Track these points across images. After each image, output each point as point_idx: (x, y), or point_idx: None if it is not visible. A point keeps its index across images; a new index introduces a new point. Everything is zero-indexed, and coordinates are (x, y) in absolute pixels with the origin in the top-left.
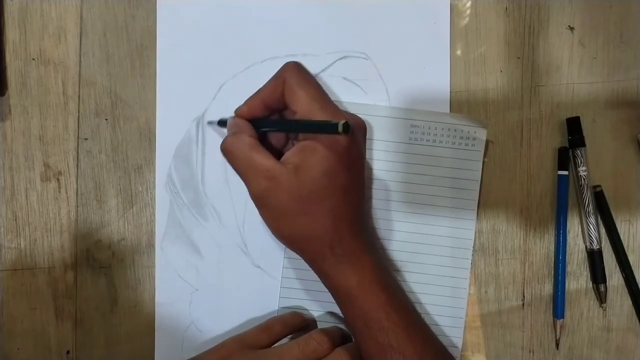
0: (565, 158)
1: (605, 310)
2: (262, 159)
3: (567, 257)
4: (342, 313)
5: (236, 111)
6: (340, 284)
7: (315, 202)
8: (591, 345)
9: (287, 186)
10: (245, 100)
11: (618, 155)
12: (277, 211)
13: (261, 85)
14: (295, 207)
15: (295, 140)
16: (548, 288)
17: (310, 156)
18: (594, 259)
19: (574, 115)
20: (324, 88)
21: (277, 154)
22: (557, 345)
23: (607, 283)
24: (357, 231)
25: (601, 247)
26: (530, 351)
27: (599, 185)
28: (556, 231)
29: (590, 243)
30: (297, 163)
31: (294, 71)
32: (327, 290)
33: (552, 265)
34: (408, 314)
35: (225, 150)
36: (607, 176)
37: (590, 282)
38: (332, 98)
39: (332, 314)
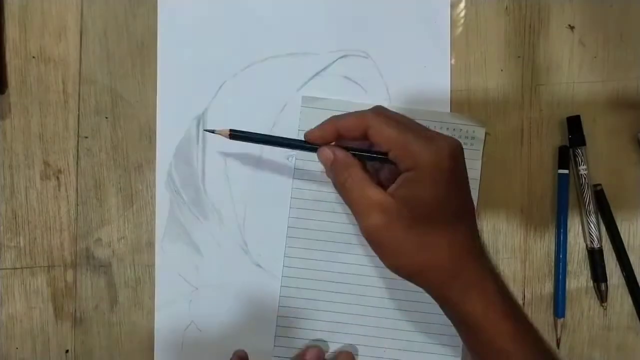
0: (565, 157)
1: (605, 309)
2: (376, 193)
3: (567, 256)
4: (465, 340)
5: (308, 135)
6: (466, 313)
7: (431, 232)
8: (592, 344)
9: (402, 221)
10: (318, 125)
11: (618, 154)
12: (393, 246)
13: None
14: (412, 240)
15: (384, 170)
16: (548, 287)
17: (417, 186)
18: (595, 257)
19: (574, 114)
20: (324, 88)
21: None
22: (558, 344)
23: (607, 282)
24: (477, 256)
25: (602, 246)
26: None
27: (599, 184)
28: (556, 230)
29: (591, 242)
30: (405, 195)
31: (380, 115)
32: (329, 290)
33: (553, 264)
34: (534, 341)
35: (341, 184)
36: (608, 175)
37: (591, 281)
38: (333, 97)
39: (332, 314)
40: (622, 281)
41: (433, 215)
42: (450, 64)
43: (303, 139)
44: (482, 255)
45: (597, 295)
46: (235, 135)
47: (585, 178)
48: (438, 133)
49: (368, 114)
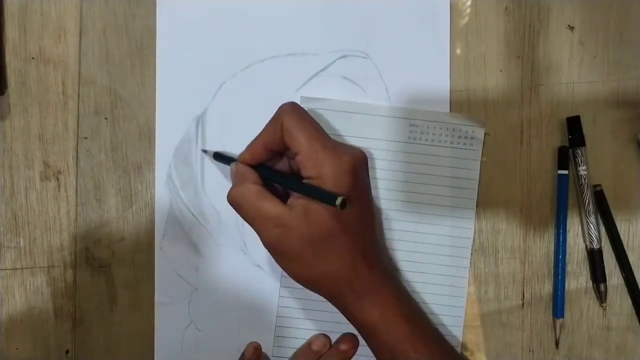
0: (565, 157)
1: (605, 309)
2: (271, 207)
3: (567, 256)
4: (367, 343)
5: (239, 158)
6: (363, 319)
7: (328, 243)
8: (591, 344)
9: (298, 231)
10: (247, 147)
11: (618, 154)
12: (291, 256)
13: (261, 83)
14: (309, 250)
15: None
16: (548, 287)
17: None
18: (594, 258)
19: (574, 114)
20: (323, 88)
21: (283, 193)
22: (557, 344)
23: (607, 282)
24: (373, 264)
25: (601, 247)
26: (530, 351)
27: (599, 185)
28: (556, 230)
29: (591, 242)
30: (304, 206)
31: (291, 113)
32: None
33: (552, 264)
34: (433, 341)
35: (233, 202)
36: (607, 176)
37: (590, 282)
38: (332, 97)
39: (331, 314)
40: (622, 281)
41: (330, 226)
42: (450, 64)
43: None
44: (378, 262)
45: (597, 296)
46: (217, 156)
47: (585, 179)
48: (344, 145)
49: (280, 114)
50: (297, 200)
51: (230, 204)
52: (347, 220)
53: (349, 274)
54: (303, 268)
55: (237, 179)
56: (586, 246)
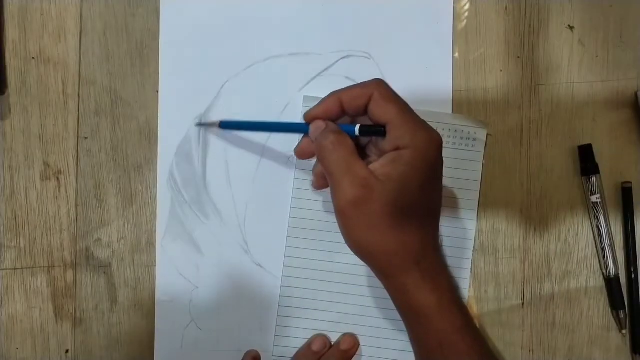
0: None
1: (625, 336)
2: (361, 166)
3: (568, 256)
4: (412, 330)
5: (307, 113)
6: (419, 302)
7: (409, 215)
8: (591, 344)
9: (382, 198)
10: (320, 102)
11: (618, 155)
12: (366, 222)
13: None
14: (388, 219)
15: (372, 147)
16: (548, 287)
17: (404, 168)
18: (612, 286)
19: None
20: (326, 88)
21: None
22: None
23: (626, 309)
24: (438, 247)
25: (619, 274)
26: (530, 351)
27: (629, 182)
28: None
29: (608, 270)
30: (389, 175)
31: (383, 86)
32: (330, 290)
33: (552, 264)
34: (481, 337)
35: (327, 148)
36: (607, 175)
37: (591, 282)
38: None
39: (332, 314)
40: (622, 282)
41: (416, 198)
42: (452, 64)
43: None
44: (440, 249)
45: (616, 323)
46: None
47: (600, 206)
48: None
49: (372, 85)
50: (380, 170)
51: (321, 148)
52: (430, 195)
53: (419, 251)
54: (374, 237)
55: (333, 132)
56: (603, 274)
